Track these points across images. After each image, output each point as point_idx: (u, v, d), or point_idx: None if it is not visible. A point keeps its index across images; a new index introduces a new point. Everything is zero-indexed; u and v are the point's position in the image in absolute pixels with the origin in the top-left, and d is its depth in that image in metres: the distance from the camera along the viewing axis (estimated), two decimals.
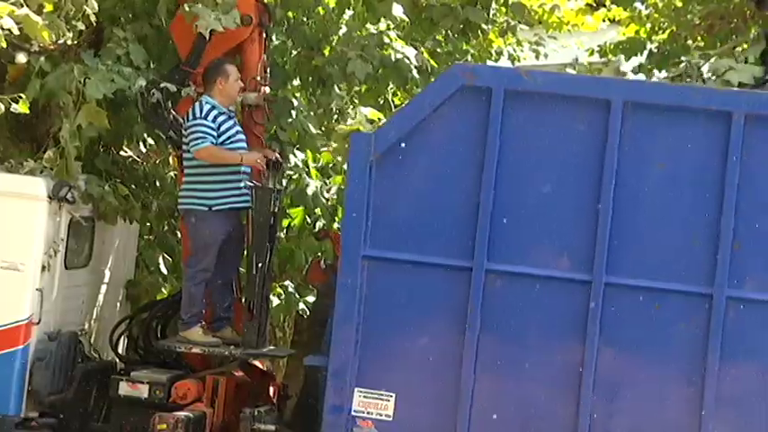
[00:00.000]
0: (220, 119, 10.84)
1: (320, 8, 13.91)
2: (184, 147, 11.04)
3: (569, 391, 9.52)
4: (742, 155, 9.21)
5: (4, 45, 7.84)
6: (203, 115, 10.74)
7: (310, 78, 13.79)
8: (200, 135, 10.66)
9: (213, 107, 10.83)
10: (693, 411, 9.42)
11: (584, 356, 9.48)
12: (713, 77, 10.27)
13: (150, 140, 12.47)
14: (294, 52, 13.61)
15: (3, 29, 7.55)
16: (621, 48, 15.25)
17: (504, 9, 14.06)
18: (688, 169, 9.48)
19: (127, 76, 11.09)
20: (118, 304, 11.97)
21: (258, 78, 11.55)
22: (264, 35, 11.73)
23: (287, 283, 13.13)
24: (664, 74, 10.67)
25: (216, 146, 10.75)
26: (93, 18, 9.66)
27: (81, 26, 9.92)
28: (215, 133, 10.73)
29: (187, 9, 10.95)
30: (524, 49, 15.82)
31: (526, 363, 9.63)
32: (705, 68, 10.19)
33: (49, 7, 8.30)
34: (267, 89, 11.77)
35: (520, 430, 9.63)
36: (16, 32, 7.78)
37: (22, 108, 8.87)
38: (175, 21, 11.37)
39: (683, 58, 10.80)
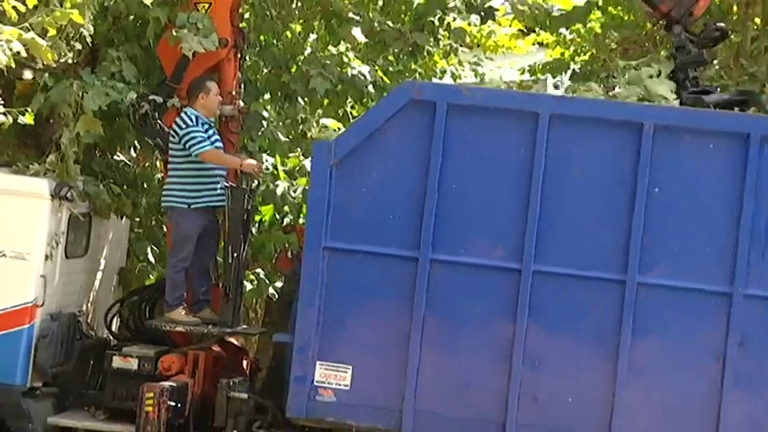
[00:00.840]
0: (204, 127, 10.72)
1: (288, 32, 13.89)
2: (170, 152, 10.90)
3: (501, 363, 9.44)
4: (651, 160, 9.11)
5: (13, 65, 7.69)
6: (194, 123, 10.63)
7: (279, 93, 13.74)
8: (200, 140, 10.57)
9: (197, 117, 10.70)
10: (608, 380, 9.37)
11: (514, 334, 9.42)
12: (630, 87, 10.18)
13: (139, 146, 12.33)
14: (265, 70, 13.56)
15: (12, 50, 7.41)
16: (548, 68, 15.30)
17: (447, 34, 14.15)
18: (604, 173, 9.43)
19: (119, 91, 11.01)
20: (111, 289, 11.86)
21: (234, 93, 11.44)
22: (239, 55, 11.64)
23: (258, 270, 13.12)
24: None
25: (215, 149, 10.72)
26: (89, 39, 9.60)
27: (79, 47, 9.82)
28: (203, 141, 10.60)
29: (173, 33, 10.87)
30: (465, 69, 15.79)
31: (465, 340, 9.55)
32: (625, 78, 10.06)
33: (52, 31, 8.15)
34: (241, 102, 11.66)
35: (459, 397, 9.52)
36: (24, 53, 7.65)
37: (28, 119, 8.81)
38: (162, 43, 11.24)
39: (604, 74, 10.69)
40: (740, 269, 9.21)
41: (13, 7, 7.35)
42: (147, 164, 12.38)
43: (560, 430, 9.48)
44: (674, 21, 10.40)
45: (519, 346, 9.40)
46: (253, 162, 10.93)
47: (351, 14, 13.50)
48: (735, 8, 11.99)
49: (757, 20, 12.06)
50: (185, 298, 10.79)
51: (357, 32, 13.60)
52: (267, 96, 13.45)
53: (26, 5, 7.30)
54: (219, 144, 10.94)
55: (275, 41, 13.67)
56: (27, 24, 7.58)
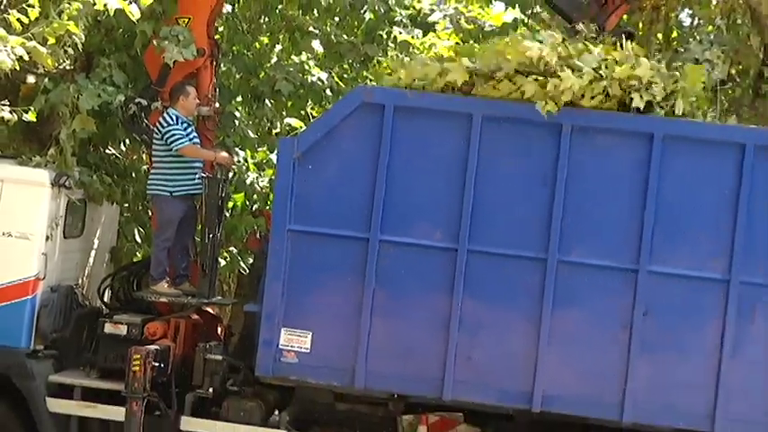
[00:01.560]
0: (183, 126, 10.65)
1: (256, 43, 13.86)
2: (154, 146, 10.84)
3: (441, 330, 9.43)
4: (569, 157, 9.16)
5: (18, 68, 7.61)
6: (175, 122, 10.57)
7: (249, 96, 13.73)
8: (179, 137, 10.50)
9: (178, 117, 10.64)
10: (531, 344, 9.38)
11: (451, 305, 9.41)
12: None
13: (128, 142, 12.28)
14: (237, 76, 13.51)
15: (17, 56, 7.33)
16: None
17: (394, 45, 14.16)
18: (529, 166, 9.44)
19: (110, 93, 10.96)
20: (104, 265, 11.76)
21: (209, 96, 11.38)
22: (214, 63, 11.56)
23: (231, 249, 13.12)
24: None
25: (192, 145, 10.64)
26: (83, 48, 9.56)
27: (75, 54, 9.78)
28: (183, 138, 10.55)
29: (157, 44, 10.83)
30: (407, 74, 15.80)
31: (409, 309, 9.55)
32: None
33: (51, 40, 8.08)
34: (216, 104, 11.61)
35: (404, 358, 9.51)
36: (27, 59, 7.58)
37: (30, 117, 8.75)
38: (148, 52, 11.17)
39: None
40: (645, 249, 9.25)
41: (18, 19, 7.25)
42: (134, 157, 12.33)
43: (490, 386, 9.45)
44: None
45: (455, 314, 9.39)
46: (225, 155, 10.92)
47: (311, 28, 13.56)
48: (640, 25, 11.97)
49: (659, 35, 12.05)
50: (168, 273, 10.73)
51: (316, 44, 13.66)
52: (239, 99, 13.44)
53: (29, 17, 7.20)
54: (197, 140, 10.86)
55: (245, 51, 13.62)
56: (30, 34, 7.51)
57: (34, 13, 7.52)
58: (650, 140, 9.09)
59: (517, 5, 14.20)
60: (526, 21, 14.16)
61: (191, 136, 10.68)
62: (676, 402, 9.29)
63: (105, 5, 7.64)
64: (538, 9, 12.65)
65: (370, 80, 14.23)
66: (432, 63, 9.79)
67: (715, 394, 9.21)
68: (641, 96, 9.07)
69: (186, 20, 10.88)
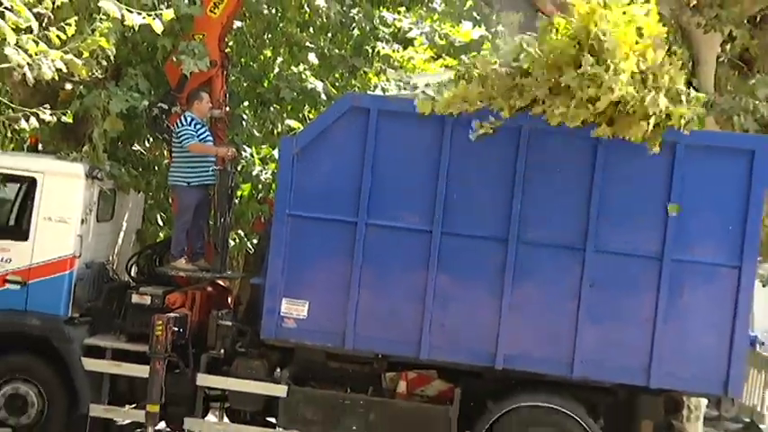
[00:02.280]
0: (197, 126, 10.63)
1: (261, 56, 13.81)
2: (173, 144, 10.81)
3: (418, 300, 9.45)
4: (527, 156, 9.21)
5: (57, 78, 7.57)
6: (188, 124, 10.54)
7: (255, 101, 13.70)
8: (189, 136, 10.48)
9: (193, 119, 10.61)
10: (495, 312, 9.38)
11: (427, 279, 9.43)
12: None
13: (151, 140, 12.25)
14: (244, 84, 13.45)
15: (56, 68, 7.29)
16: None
17: (378, 58, 14.18)
18: (496, 165, 9.41)
19: (136, 99, 10.96)
20: (131, 244, 11.73)
21: (221, 101, 11.33)
22: (225, 73, 11.52)
23: (240, 231, 13.05)
24: None
25: (199, 142, 10.58)
26: (113, 60, 9.53)
27: (106, 65, 9.75)
28: (196, 135, 10.53)
29: (175, 57, 10.85)
30: (391, 84, 15.80)
31: (391, 282, 9.57)
32: None
33: (85, 53, 8.03)
34: (227, 108, 11.56)
35: (387, 324, 9.53)
36: (65, 70, 7.54)
37: (68, 119, 8.69)
38: (168, 63, 11.13)
39: None
40: (591, 233, 9.27)
41: (57, 36, 7.21)
42: (156, 153, 12.28)
43: (460, 347, 9.48)
44: None
45: (430, 287, 9.40)
46: (225, 149, 10.83)
47: (307, 44, 13.55)
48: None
49: None
50: (186, 251, 10.69)
51: (312, 57, 13.67)
52: (246, 103, 13.43)
53: (66, 34, 7.15)
54: (210, 138, 10.83)
55: (252, 63, 13.59)
56: (67, 48, 7.44)
57: (71, 30, 7.46)
58: (594, 146, 9.07)
59: (483, 24, 14.23)
60: (490, 37, 14.17)
61: (202, 135, 10.64)
62: (617, 361, 9.32)
63: (133, 22, 7.56)
64: (500, 28, 12.59)
65: (358, 88, 14.25)
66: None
67: (650, 354, 9.24)
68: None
69: (201, 36, 10.87)
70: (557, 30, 8.45)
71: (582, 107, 8.36)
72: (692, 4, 10.13)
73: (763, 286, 11.62)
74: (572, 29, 8.23)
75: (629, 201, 9.31)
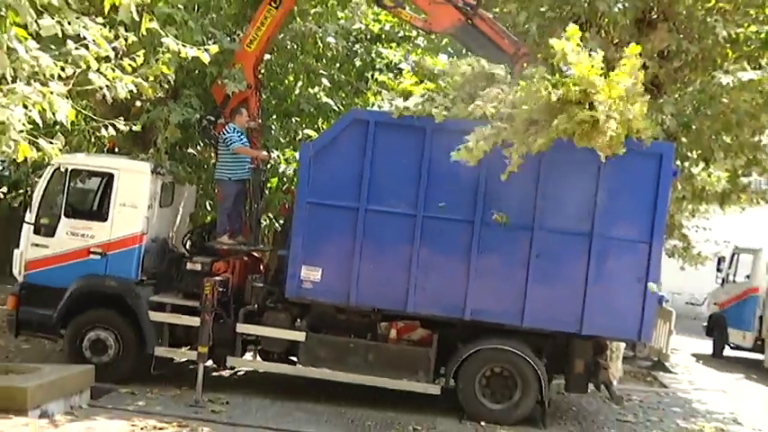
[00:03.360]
0: (239, 134, 10.58)
1: (286, 80, 13.69)
2: (219, 148, 10.79)
3: (405, 268, 9.46)
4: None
5: (129, 97, 7.53)
6: (232, 132, 10.48)
7: (281, 115, 13.53)
8: (234, 141, 10.42)
9: (235, 128, 10.56)
10: (464, 277, 9.41)
11: (411, 252, 9.45)
12: None
13: (202, 144, 12.20)
14: (273, 102, 13.30)
15: (128, 89, 7.25)
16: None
17: (375, 83, 14.11)
18: (454, 167, 8.96)
19: (190, 113, 10.87)
20: (186, 225, 11.57)
21: (255, 115, 11.22)
22: (258, 93, 11.45)
23: (269, 214, 12.96)
24: None
25: (242, 145, 10.54)
26: (170, 82, 9.46)
27: (166, 87, 9.66)
28: (239, 140, 10.49)
29: (220, 81, 10.78)
30: (385, 103, 15.70)
31: (385, 254, 9.58)
32: None
33: (151, 78, 7.98)
34: (260, 120, 11.49)
35: (382, 286, 9.55)
36: (135, 90, 7.50)
37: (137, 128, 8.64)
38: (214, 86, 11.04)
39: None
40: (537, 215, 9.29)
41: (129, 64, 7.19)
42: (205, 154, 12.21)
43: (437, 304, 9.50)
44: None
45: (414, 257, 9.42)
46: (258, 152, 10.85)
47: (321, 71, 13.46)
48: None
49: None
50: (228, 230, 10.62)
51: (324, 81, 13.54)
52: (274, 117, 13.33)
53: (136, 63, 7.14)
54: (247, 143, 10.78)
55: (278, 85, 13.50)
56: (137, 73, 7.41)
57: (140, 60, 7.44)
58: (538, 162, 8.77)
59: (456, 56, 14.15)
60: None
61: (242, 141, 10.60)
62: (557, 314, 9.37)
63: (187, 55, 7.53)
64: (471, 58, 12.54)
65: (360, 105, 14.21)
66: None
67: (582, 309, 9.29)
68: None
69: (239, 65, 10.81)
70: (555, 85, 8.06)
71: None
72: (615, 42, 10.16)
73: (669, 257, 11.62)
74: (576, 87, 7.90)
75: (568, 191, 9.31)
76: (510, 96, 8.67)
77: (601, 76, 7.87)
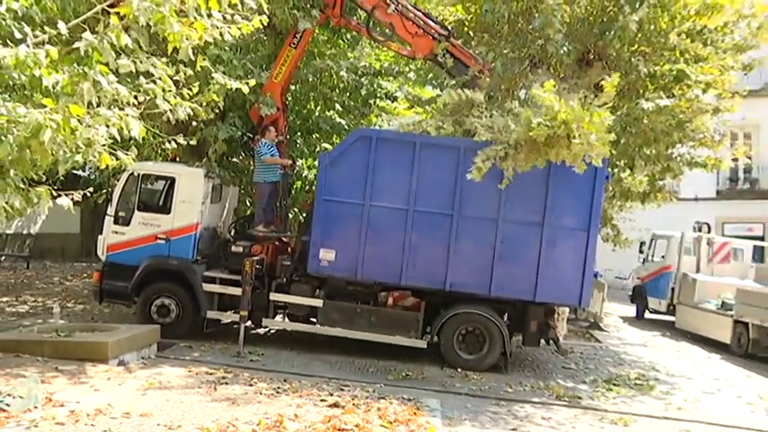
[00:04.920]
0: (270, 147, 10.57)
1: (307, 105, 13.58)
2: (256, 157, 10.74)
3: (399, 251, 9.41)
4: (464, 166, 8.77)
5: (188, 118, 7.46)
6: (264, 146, 10.48)
7: (304, 131, 13.46)
8: (264, 153, 10.43)
9: (266, 143, 10.55)
10: (444, 257, 9.36)
11: (404, 238, 9.39)
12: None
13: (243, 155, 12.16)
14: (297, 122, 13.23)
15: (186, 112, 7.18)
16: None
17: (377, 108, 14.06)
18: (443, 172, 9.27)
19: (234, 131, 10.92)
20: (231, 216, 11.54)
21: (283, 131, 11.21)
22: (285, 115, 11.41)
23: (295, 209, 12.92)
24: None
25: (271, 156, 10.51)
26: (219, 107, 9.40)
27: (216, 110, 9.61)
28: (269, 153, 10.46)
29: (256, 105, 10.76)
30: (384, 123, 15.67)
31: (384, 239, 9.47)
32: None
33: (204, 103, 7.90)
34: (287, 136, 11.48)
35: (381, 264, 9.46)
36: (192, 113, 7.42)
37: (194, 142, 8.57)
38: (252, 109, 11.02)
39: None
40: (501, 209, 9.23)
41: (187, 93, 7.15)
42: (246, 163, 12.18)
43: (424, 278, 9.45)
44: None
45: (407, 243, 9.38)
46: (283, 160, 10.76)
47: (335, 98, 13.40)
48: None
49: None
50: (263, 221, 10.58)
51: (338, 106, 13.46)
52: (298, 133, 13.30)
53: (192, 91, 7.10)
54: (277, 154, 10.73)
55: (302, 109, 13.44)
56: (193, 100, 7.36)
57: (195, 89, 7.40)
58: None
59: (439, 88, 14.10)
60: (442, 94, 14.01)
61: (272, 152, 10.57)
62: (517, 286, 9.35)
63: (232, 86, 7.49)
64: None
65: (365, 124, 14.17)
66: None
67: (536, 282, 9.29)
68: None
69: (270, 93, 10.78)
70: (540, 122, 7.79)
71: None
72: (561, 76, 10.13)
73: (603, 242, 11.63)
74: (555, 122, 7.66)
75: (525, 192, 9.21)
76: (499, 121, 8.48)
77: (585, 111, 7.60)
